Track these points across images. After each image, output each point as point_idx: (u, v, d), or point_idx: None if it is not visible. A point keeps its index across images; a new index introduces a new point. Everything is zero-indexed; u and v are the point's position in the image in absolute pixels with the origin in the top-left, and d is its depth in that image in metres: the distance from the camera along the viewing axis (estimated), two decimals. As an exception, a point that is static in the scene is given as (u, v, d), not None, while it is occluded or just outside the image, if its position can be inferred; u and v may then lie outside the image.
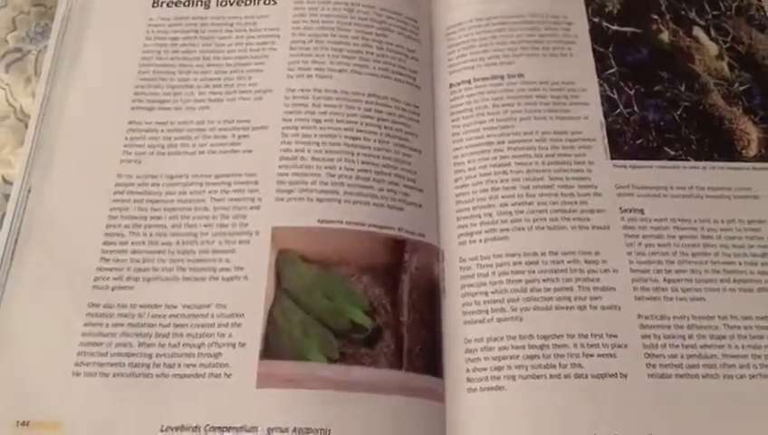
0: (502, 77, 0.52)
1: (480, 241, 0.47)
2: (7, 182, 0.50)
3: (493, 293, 0.45)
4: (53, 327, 0.44)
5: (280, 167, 0.48)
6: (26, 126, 0.51)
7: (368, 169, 0.48)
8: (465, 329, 0.44)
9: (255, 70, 0.52)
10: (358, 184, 0.47)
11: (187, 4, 0.55)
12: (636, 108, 0.52)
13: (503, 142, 0.50)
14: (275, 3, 0.55)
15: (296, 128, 0.50)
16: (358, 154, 0.48)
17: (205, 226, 0.46)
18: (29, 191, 0.48)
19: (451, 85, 0.53)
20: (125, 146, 0.49)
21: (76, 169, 0.49)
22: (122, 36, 0.54)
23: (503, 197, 0.48)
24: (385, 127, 0.50)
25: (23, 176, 0.48)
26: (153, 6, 0.55)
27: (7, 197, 0.48)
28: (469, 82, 0.52)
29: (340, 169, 0.48)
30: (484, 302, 0.45)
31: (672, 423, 0.42)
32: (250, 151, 0.49)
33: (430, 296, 0.45)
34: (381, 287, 0.45)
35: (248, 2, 0.55)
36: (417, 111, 0.51)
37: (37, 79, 0.53)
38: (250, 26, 0.54)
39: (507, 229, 0.47)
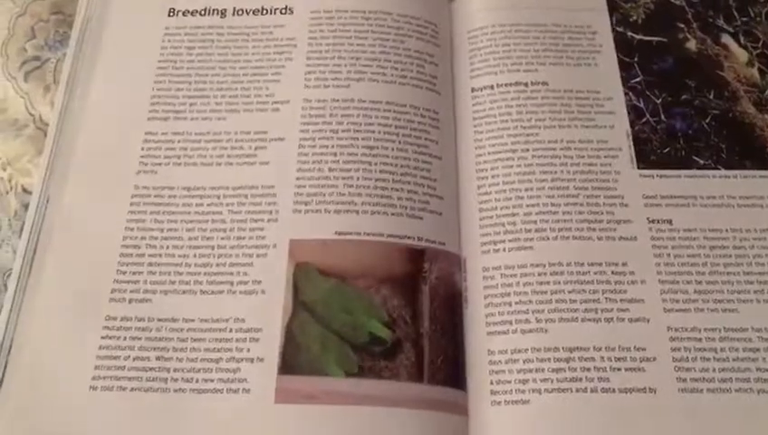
0: (526, 84, 0.54)
1: (504, 250, 0.48)
2: (27, 191, 0.52)
3: (517, 303, 0.46)
4: (70, 340, 0.45)
5: (297, 178, 0.50)
6: (45, 135, 0.53)
7: (386, 178, 0.49)
8: (488, 340, 0.45)
9: (272, 80, 0.54)
10: (376, 194, 0.49)
11: (203, 13, 0.57)
12: (663, 117, 0.53)
13: (527, 150, 0.51)
14: (292, 12, 0.57)
15: (313, 139, 0.51)
16: (376, 164, 0.50)
17: (222, 238, 0.48)
18: (48, 201, 0.49)
19: (473, 90, 0.54)
20: (141, 157, 0.51)
21: (93, 179, 0.50)
22: (138, 45, 0.55)
23: (527, 205, 0.49)
24: (403, 135, 0.51)
25: (41, 185, 0.50)
26: (169, 15, 0.57)
27: (26, 206, 0.50)
28: (492, 87, 0.54)
29: (358, 179, 0.49)
30: (509, 312, 0.46)
31: (704, 439, 0.42)
32: (267, 163, 0.51)
33: (451, 306, 0.47)
34: (401, 298, 0.46)
35: (264, 11, 0.57)
36: (436, 117, 0.53)
37: (56, 87, 0.55)
38: (266, 36, 0.56)
39: (532, 239, 0.48)
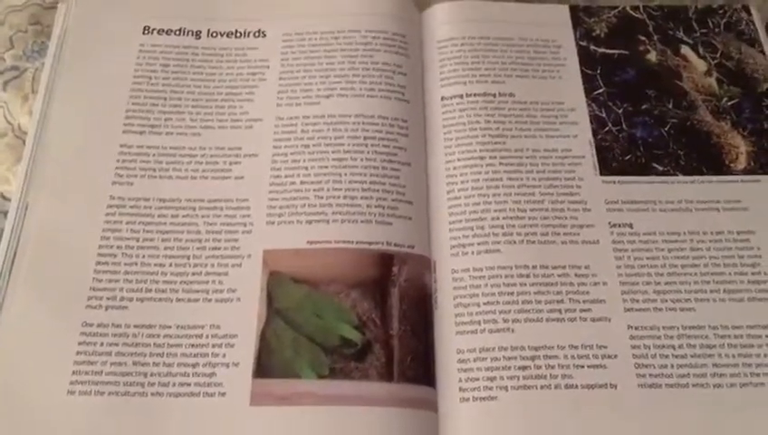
0: (494, 95, 0.57)
1: (472, 253, 0.50)
2: (5, 199, 0.53)
3: (485, 304, 0.48)
4: (48, 345, 0.47)
5: (270, 192, 0.53)
6: (24, 144, 0.54)
7: (355, 187, 0.52)
8: (457, 339, 0.48)
9: (246, 99, 0.57)
10: (345, 203, 0.51)
11: (178, 33, 0.59)
12: (624, 126, 0.56)
13: (494, 157, 0.54)
14: (265, 35, 0.60)
15: (285, 154, 0.54)
16: (345, 175, 0.53)
17: (198, 249, 0.50)
18: (26, 208, 0.51)
19: (443, 98, 0.57)
20: (117, 168, 0.53)
21: (69, 188, 0.52)
22: (114, 60, 0.58)
23: (495, 210, 0.52)
24: (372, 145, 0.54)
25: (20, 193, 0.51)
26: (144, 33, 0.59)
27: (5, 213, 0.51)
28: (461, 96, 0.57)
29: (328, 190, 0.52)
30: (477, 313, 0.48)
31: (662, 433, 0.45)
32: (242, 178, 0.53)
33: (421, 307, 0.49)
34: (371, 301, 0.48)
35: (238, 34, 0.60)
36: (405, 126, 0.55)
37: (34, 97, 0.57)
38: (240, 57, 0.59)
39: (499, 242, 0.50)
